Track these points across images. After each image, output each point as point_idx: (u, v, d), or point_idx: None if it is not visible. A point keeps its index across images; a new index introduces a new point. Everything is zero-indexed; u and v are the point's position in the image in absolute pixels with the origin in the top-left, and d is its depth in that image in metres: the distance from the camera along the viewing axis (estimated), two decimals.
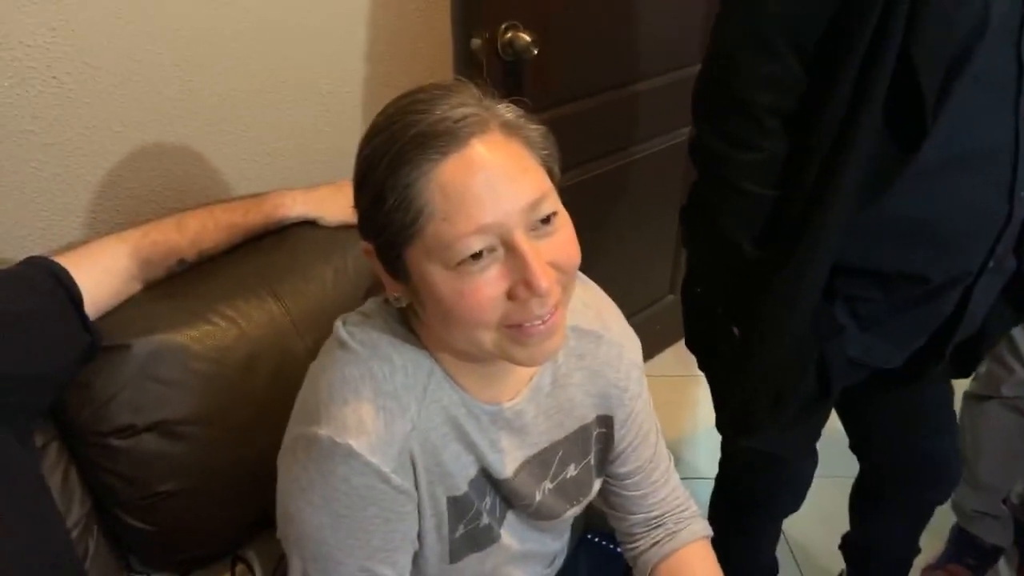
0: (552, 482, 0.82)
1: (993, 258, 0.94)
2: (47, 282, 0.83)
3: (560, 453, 0.82)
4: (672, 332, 2.12)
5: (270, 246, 1.04)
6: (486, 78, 1.44)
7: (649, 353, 2.24)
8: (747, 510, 1.32)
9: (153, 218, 0.97)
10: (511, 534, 0.81)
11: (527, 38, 1.45)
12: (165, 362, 0.89)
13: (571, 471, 0.84)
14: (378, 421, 0.66)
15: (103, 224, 1.05)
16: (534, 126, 0.66)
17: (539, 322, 0.64)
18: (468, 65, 1.43)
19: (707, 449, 1.86)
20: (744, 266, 0.96)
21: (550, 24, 1.51)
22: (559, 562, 0.97)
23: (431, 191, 0.60)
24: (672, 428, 1.96)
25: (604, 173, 1.86)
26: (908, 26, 0.80)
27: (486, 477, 0.76)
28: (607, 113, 1.79)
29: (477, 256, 0.61)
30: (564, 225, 0.66)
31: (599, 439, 0.85)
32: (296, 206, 1.06)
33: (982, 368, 1.41)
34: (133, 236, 0.92)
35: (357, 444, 0.65)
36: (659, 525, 0.90)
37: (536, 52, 1.46)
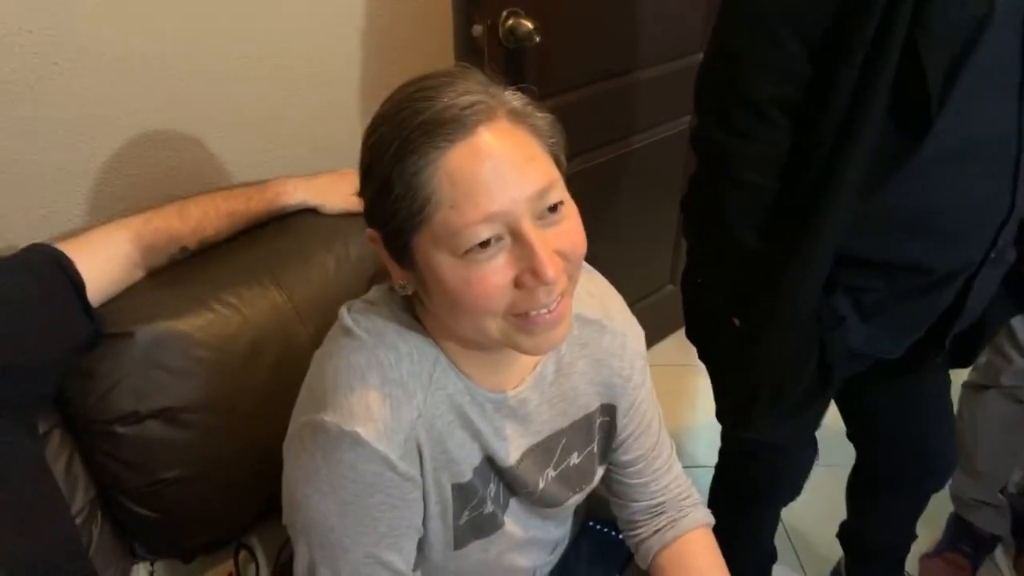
0: (555, 470, 0.82)
1: (995, 249, 0.94)
2: (49, 270, 0.82)
3: (563, 441, 0.82)
4: (672, 321, 2.12)
5: (272, 234, 1.04)
6: (492, 65, 1.44)
7: (649, 342, 2.24)
8: (747, 499, 1.32)
9: (155, 205, 0.97)
10: (514, 521, 0.82)
11: (529, 25, 1.44)
12: (168, 349, 0.89)
13: (574, 459, 0.84)
14: (384, 408, 0.66)
15: (105, 211, 1.05)
16: (541, 114, 0.66)
17: (545, 311, 0.64)
18: (469, 52, 1.42)
19: (707, 438, 1.86)
20: (746, 258, 0.96)
21: (552, 11, 1.50)
22: (561, 549, 0.97)
23: (439, 179, 0.60)
24: (672, 417, 1.97)
25: (606, 161, 1.85)
26: (914, 16, 0.79)
27: (490, 464, 0.76)
28: (609, 101, 1.79)
29: (484, 244, 0.60)
30: (571, 214, 0.65)
31: (602, 427, 0.86)
32: (298, 194, 1.05)
33: (982, 358, 1.41)
34: (135, 223, 0.92)
35: (364, 431, 0.65)
36: (661, 513, 0.91)
37: (538, 39, 1.45)
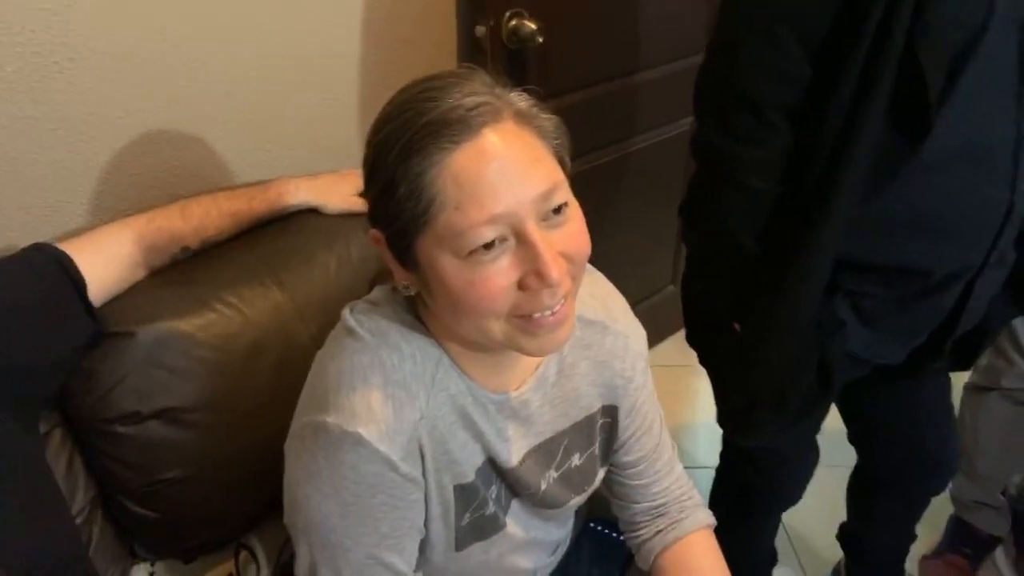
0: (557, 471, 0.82)
1: (995, 251, 0.94)
2: (51, 269, 0.82)
3: (565, 442, 0.82)
4: (673, 322, 2.12)
5: (274, 234, 1.03)
6: (495, 66, 1.44)
7: (651, 342, 2.24)
8: (748, 503, 1.32)
9: (157, 205, 0.96)
10: (516, 522, 0.81)
11: (532, 26, 1.44)
12: (169, 349, 0.89)
13: (576, 460, 0.84)
14: (387, 409, 0.66)
15: (106, 211, 1.05)
16: (547, 115, 0.66)
17: (549, 312, 0.64)
18: (472, 52, 1.42)
19: (707, 439, 1.86)
20: (746, 262, 0.96)
21: (555, 12, 1.50)
22: (562, 550, 0.97)
23: (443, 180, 0.60)
24: (672, 418, 1.97)
25: (608, 162, 1.85)
26: (913, 18, 0.79)
27: (492, 466, 0.76)
28: (611, 102, 1.79)
29: (489, 246, 0.60)
30: (575, 216, 0.65)
31: (604, 429, 0.86)
32: (299, 193, 1.05)
33: (983, 360, 1.41)
34: (137, 223, 0.92)
35: (366, 432, 0.65)
36: (662, 514, 0.91)
37: (541, 40, 1.45)
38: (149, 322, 0.89)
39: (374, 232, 0.67)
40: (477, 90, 0.62)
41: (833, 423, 1.24)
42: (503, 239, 0.61)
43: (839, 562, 1.51)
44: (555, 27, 1.49)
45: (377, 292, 0.74)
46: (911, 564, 1.50)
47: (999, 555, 1.51)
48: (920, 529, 1.37)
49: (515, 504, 0.81)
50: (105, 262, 0.87)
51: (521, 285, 0.62)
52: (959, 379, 1.34)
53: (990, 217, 0.92)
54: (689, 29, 1.79)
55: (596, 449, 0.86)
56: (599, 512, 1.04)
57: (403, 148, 0.61)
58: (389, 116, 0.64)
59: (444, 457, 0.71)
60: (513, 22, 1.44)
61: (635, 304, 2.16)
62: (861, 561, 1.42)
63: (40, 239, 0.88)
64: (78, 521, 0.88)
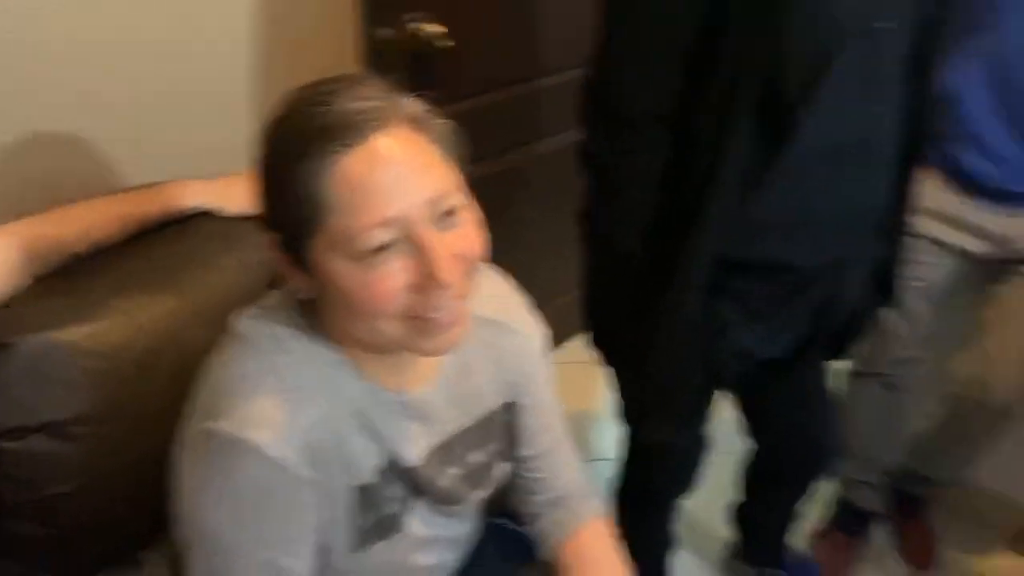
0: (459, 468, 0.84)
1: (860, 244, 1.01)
2: None
3: (467, 440, 0.84)
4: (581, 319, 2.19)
5: (170, 237, 1.00)
6: (396, 68, 1.44)
7: (560, 339, 2.30)
8: (647, 493, 1.38)
9: (39, 212, 0.92)
10: (418, 521, 0.83)
11: (437, 29, 1.45)
12: (53, 360, 0.85)
13: (478, 457, 0.86)
14: (281, 414, 0.66)
15: None
16: (441, 120, 0.68)
17: (443, 312, 0.65)
18: (374, 56, 1.42)
19: (612, 433, 1.92)
20: (631, 268, 1.00)
21: (460, 15, 1.51)
22: (467, 546, 0.99)
23: (334, 184, 0.61)
24: (581, 412, 2.02)
25: (515, 165, 1.88)
26: (772, 31, 0.84)
27: (393, 466, 0.77)
28: (517, 106, 1.82)
29: (381, 248, 0.62)
30: (470, 218, 0.67)
31: (505, 425, 0.88)
32: (195, 196, 1.03)
33: (864, 348, 1.52)
34: (17, 229, 0.88)
35: (259, 437, 0.65)
36: (561, 506, 0.94)
37: (446, 44, 1.47)
38: (30, 332, 0.84)
39: (267, 237, 0.67)
40: (369, 95, 0.63)
41: (728, 410, 1.31)
42: (396, 241, 0.62)
43: (731, 541, 1.60)
44: (460, 31, 1.50)
45: (271, 296, 0.74)
46: (801, 540, 1.60)
47: (878, 530, 1.63)
48: (810, 507, 1.46)
49: (417, 503, 0.82)
50: None
51: (415, 287, 0.64)
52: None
53: (859, 212, 0.99)
54: (592, 36, 1.84)
55: (498, 446, 0.88)
56: (503, 506, 1.07)
57: (294, 153, 0.61)
58: (279, 121, 0.64)
59: (343, 459, 0.72)
60: (418, 25, 1.44)
61: (545, 302, 2.20)
62: (751, 540, 1.51)
63: None
64: None
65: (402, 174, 0.62)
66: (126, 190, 1.01)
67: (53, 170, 1.05)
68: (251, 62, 1.23)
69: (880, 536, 1.69)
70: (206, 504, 0.66)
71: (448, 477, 0.83)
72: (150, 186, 1.02)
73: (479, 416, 0.85)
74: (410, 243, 0.63)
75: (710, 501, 1.53)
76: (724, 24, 0.85)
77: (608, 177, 0.99)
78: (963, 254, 1.34)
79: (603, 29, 0.95)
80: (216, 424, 0.65)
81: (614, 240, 1.02)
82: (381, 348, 0.70)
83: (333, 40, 1.36)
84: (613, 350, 1.15)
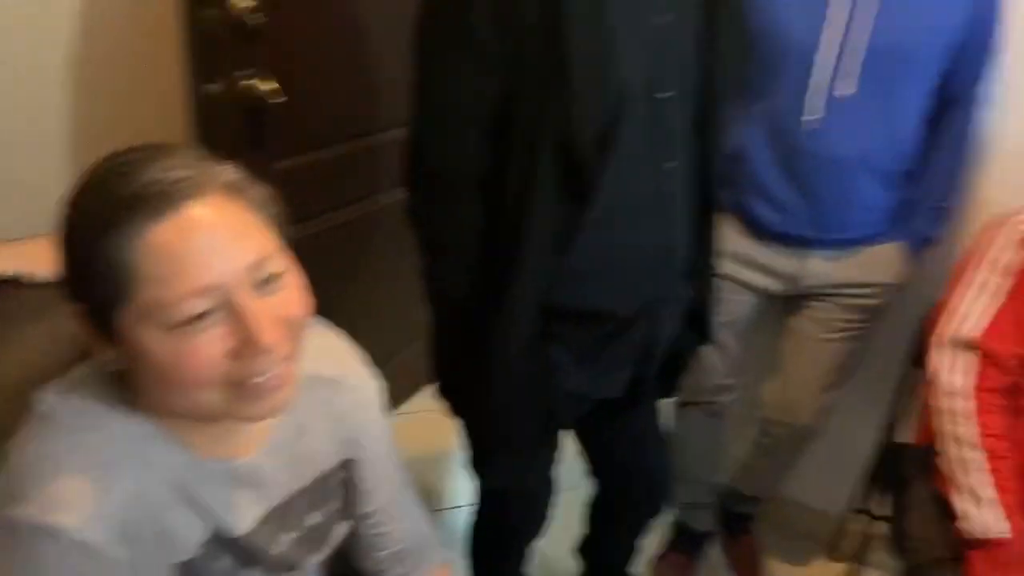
0: (295, 532, 0.83)
1: (668, 287, 1.11)
2: None
3: (302, 503, 0.83)
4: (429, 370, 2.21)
5: None
6: (226, 125, 1.42)
7: (409, 391, 2.30)
8: (500, 537, 1.41)
9: None
10: None
11: (268, 85, 1.44)
12: None
13: (314, 519, 0.85)
14: (88, 493, 0.63)
15: None
16: (258, 186, 0.69)
17: (266, 377, 0.65)
18: (204, 112, 1.39)
19: (465, 481, 1.94)
20: (466, 315, 1.05)
21: (293, 71, 1.52)
22: None
23: (144, 255, 0.60)
24: (433, 461, 2.03)
25: (356, 218, 1.89)
26: (557, 105, 0.93)
27: (218, 537, 0.74)
28: (357, 159, 1.84)
29: (197, 317, 0.61)
30: (292, 282, 0.68)
31: (342, 484, 0.88)
32: (1, 261, 0.95)
33: (686, 380, 1.65)
34: None
35: (64, 521, 0.61)
36: (405, 559, 0.95)
37: (278, 99, 1.46)
38: None
39: (72, 307, 0.64)
40: (180, 163, 0.63)
41: (572, 448, 1.37)
42: (212, 310, 0.62)
43: (577, 574, 1.65)
44: (293, 86, 1.51)
45: (78, 370, 0.71)
46: (642, 566, 1.68)
47: (712, 549, 1.76)
48: (649, 534, 1.55)
49: (248, 572, 0.79)
50: None
51: (235, 353, 0.64)
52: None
53: (658, 260, 1.08)
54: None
55: (336, 505, 0.88)
56: (344, 564, 1.05)
57: (100, 223, 0.60)
58: (85, 189, 0.63)
59: (162, 536, 0.69)
60: (248, 81, 1.43)
61: (395, 354, 2.21)
62: (595, 572, 1.57)
63: None
64: None
65: (217, 242, 0.62)
66: None
67: None
68: (69, 119, 1.16)
69: (713, 554, 1.82)
70: None
71: (283, 543, 0.81)
72: None
73: (315, 477, 0.84)
74: (229, 310, 0.63)
75: (558, 538, 1.58)
76: (520, 91, 0.93)
77: (433, 232, 1.05)
78: (760, 291, 1.51)
79: (415, 93, 1.00)
80: (17, 510, 0.61)
81: (447, 291, 1.07)
82: (202, 417, 0.69)
83: (159, 95, 1.32)
84: (457, 398, 1.18)
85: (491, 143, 0.97)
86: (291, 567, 0.83)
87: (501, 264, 1.00)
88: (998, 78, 1.42)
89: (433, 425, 2.09)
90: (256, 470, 0.77)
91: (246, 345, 0.63)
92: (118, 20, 1.21)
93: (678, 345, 1.23)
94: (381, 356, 2.33)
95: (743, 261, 1.47)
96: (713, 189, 1.11)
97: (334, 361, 0.87)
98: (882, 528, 1.52)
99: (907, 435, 1.48)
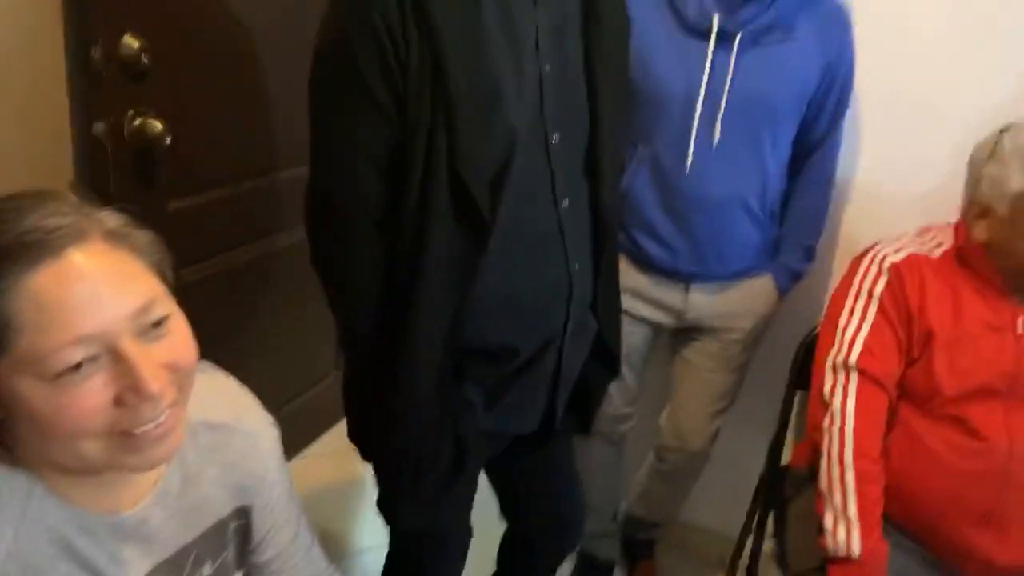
0: None
1: (571, 321, 1.14)
2: None
3: (194, 553, 0.81)
4: (339, 408, 2.17)
5: None
6: (115, 166, 1.38)
7: (318, 430, 2.25)
8: None
9: None
10: None
11: (158, 125, 1.42)
12: None
13: (207, 569, 0.83)
14: None
15: None
16: (142, 232, 0.68)
17: (152, 425, 0.65)
18: (91, 153, 1.35)
19: (375, 523, 1.91)
20: (372, 356, 1.06)
21: (183, 111, 1.50)
22: None
23: (21, 304, 0.59)
24: (342, 504, 1.99)
25: (257, 257, 1.86)
26: (450, 147, 0.96)
27: None
28: (255, 198, 1.81)
29: (78, 366, 0.60)
30: (178, 327, 0.68)
31: (236, 532, 0.86)
32: None
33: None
34: None
35: None
36: None
37: (169, 140, 1.44)
38: None
39: None
40: (60, 210, 0.63)
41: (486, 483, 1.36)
42: (94, 358, 0.61)
43: None
44: (184, 126, 1.49)
45: None
46: None
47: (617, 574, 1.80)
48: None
49: None
50: None
51: (119, 401, 0.63)
52: None
53: (557, 293, 1.11)
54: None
55: (229, 554, 0.86)
56: None
57: None
58: None
59: None
60: (137, 121, 1.40)
61: (299, 394, 2.17)
62: None
63: None
64: None
65: (99, 289, 0.61)
66: None
67: None
68: None
69: None
70: None
71: None
72: None
73: (208, 526, 0.82)
74: (112, 358, 0.62)
75: (473, 570, 1.58)
76: (413, 134, 0.96)
77: (335, 272, 1.06)
78: (653, 324, 1.59)
79: (312, 135, 1.02)
80: None
81: (353, 330, 1.08)
82: (85, 470, 0.67)
83: (47, 136, 1.28)
84: (369, 439, 1.17)
85: (389, 183, 0.99)
86: None
87: (403, 303, 1.02)
88: (851, 124, 1.57)
89: (342, 466, 2.06)
90: (143, 523, 0.75)
91: (131, 393, 0.62)
92: (5, 59, 1.17)
93: (588, 378, 1.25)
94: (285, 396, 2.29)
95: (636, 295, 1.54)
96: (607, 225, 1.15)
97: (225, 406, 0.86)
98: (771, 545, 1.60)
99: (792, 456, 1.58)
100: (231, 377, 0.91)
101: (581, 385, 1.24)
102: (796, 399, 1.55)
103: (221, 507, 0.83)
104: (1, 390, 0.61)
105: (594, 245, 1.15)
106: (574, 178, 1.09)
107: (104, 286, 0.62)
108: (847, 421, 1.25)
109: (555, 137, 1.04)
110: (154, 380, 0.62)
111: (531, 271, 1.07)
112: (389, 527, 1.35)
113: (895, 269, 1.29)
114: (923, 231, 1.36)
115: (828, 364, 1.30)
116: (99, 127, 1.35)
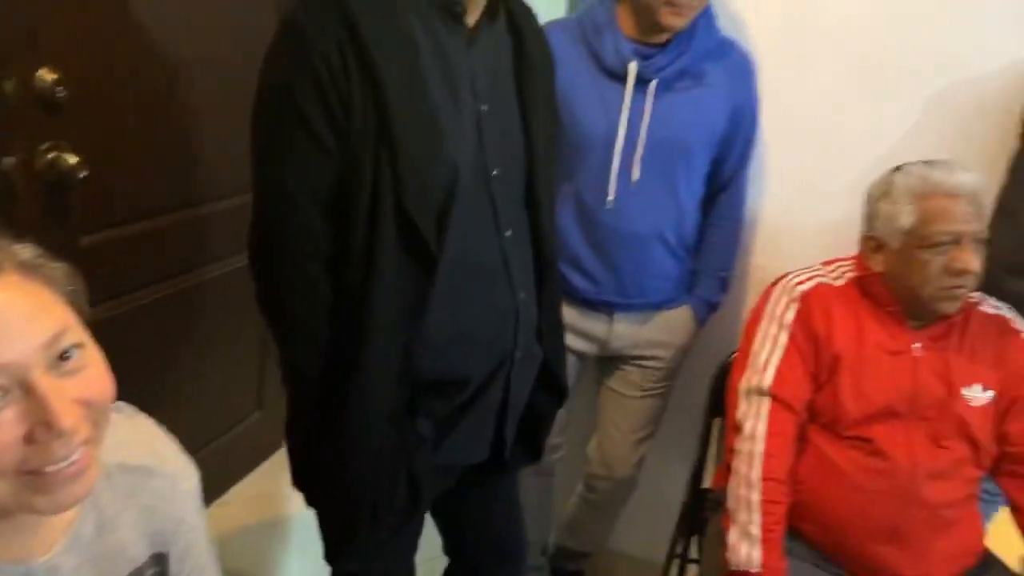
0: None
1: (518, 348, 1.15)
2: None
3: None
4: (265, 447, 2.10)
5: None
6: (25, 200, 1.33)
7: (243, 471, 2.18)
8: None
9: None
10: None
11: (73, 159, 1.38)
12: None
13: None
14: None
15: None
16: (56, 264, 0.67)
17: (65, 463, 0.62)
18: (3, 187, 1.30)
19: (304, 567, 1.86)
20: (319, 396, 1.05)
21: (101, 144, 1.46)
22: None
23: None
24: (266, 548, 1.92)
25: (178, 292, 1.80)
26: (395, 182, 0.98)
27: None
28: (176, 233, 1.76)
29: None
30: (93, 361, 0.66)
31: None
32: None
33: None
34: None
35: None
36: None
37: (85, 174, 1.40)
38: None
39: None
40: None
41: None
42: (5, 391, 0.59)
43: None
44: (102, 160, 1.45)
45: None
46: None
47: None
48: None
49: None
50: None
51: (29, 438, 0.60)
52: None
53: (503, 321, 1.13)
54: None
55: None
56: None
57: None
58: None
59: None
60: (51, 155, 1.36)
61: (222, 434, 2.09)
62: None
63: None
64: None
65: (9, 322, 0.59)
66: None
67: None
68: None
69: None
70: None
71: None
72: None
73: (124, 574, 0.79)
74: (23, 392, 0.60)
75: None
76: (356, 169, 0.97)
77: (281, 311, 1.05)
78: (580, 354, 1.63)
79: (254, 172, 1.02)
80: None
81: (300, 370, 1.06)
82: None
83: None
84: (314, 484, 1.14)
85: (333, 220, 1.00)
86: None
87: (353, 339, 1.01)
88: (760, 163, 1.68)
89: (267, 508, 1.99)
90: (53, 571, 0.71)
91: (42, 428, 0.60)
92: None
93: (535, 406, 1.26)
94: (210, 434, 2.20)
95: (565, 327, 1.57)
96: (548, 254, 1.19)
97: (142, 448, 0.84)
98: (695, 570, 1.64)
99: (712, 479, 1.63)
100: (149, 418, 0.89)
101: (529, 414, 1.25)
102: (715, 425, 1.60)
103: (137, 554, 0.81)
104: None
105: (537, 274, 1.18)
106: (515, 209, 1.13)
107: (15, 317, 0.60)
108: (757, 443, 1.31)
109: (495, 171, 1.08)
110: (66, 415, 0.61)
111: (479, 300, 1.09)
112: (330, 571, 1.32)
113: (804, 298, 1.37)
114: (829, 262, 1.45)
115: (742, 389, 1.37)
116: (8, 161, 1.31)
